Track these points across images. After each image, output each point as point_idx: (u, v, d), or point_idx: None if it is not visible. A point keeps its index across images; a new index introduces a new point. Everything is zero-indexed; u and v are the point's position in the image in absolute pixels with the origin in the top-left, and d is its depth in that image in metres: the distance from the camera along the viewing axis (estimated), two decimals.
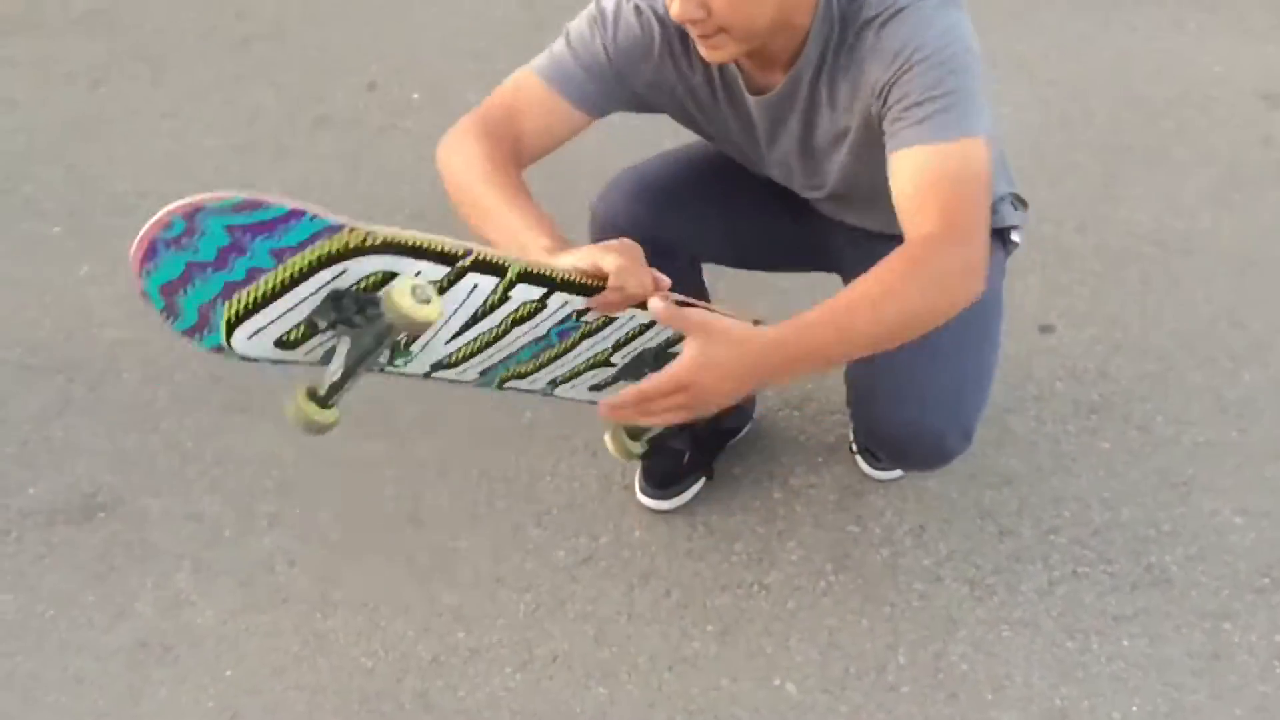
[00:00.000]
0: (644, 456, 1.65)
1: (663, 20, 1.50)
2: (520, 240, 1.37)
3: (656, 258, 1.39)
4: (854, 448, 2.07)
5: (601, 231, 1.69)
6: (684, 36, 1.50)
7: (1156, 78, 2.90)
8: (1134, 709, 1.73)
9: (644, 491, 2.01)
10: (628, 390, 1.28)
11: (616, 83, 1.53)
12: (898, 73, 1.36)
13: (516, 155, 1.50)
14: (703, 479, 2.04)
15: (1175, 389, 2.17)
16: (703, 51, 1.43)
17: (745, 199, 1.77)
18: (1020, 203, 1.75)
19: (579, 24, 1.54)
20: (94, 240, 2.55)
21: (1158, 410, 2.14)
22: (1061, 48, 2.97)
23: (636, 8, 1.51)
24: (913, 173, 1.34)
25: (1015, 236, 1.73)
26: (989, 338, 1.64)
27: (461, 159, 1.48)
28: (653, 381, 1.25)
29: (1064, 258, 2.43)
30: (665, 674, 1.79)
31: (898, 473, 2.03)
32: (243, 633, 1.87)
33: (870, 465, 2.04)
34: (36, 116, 2.88)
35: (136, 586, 1.93)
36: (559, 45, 1.54)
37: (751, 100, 1.55)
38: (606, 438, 1.59)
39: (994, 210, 1.63)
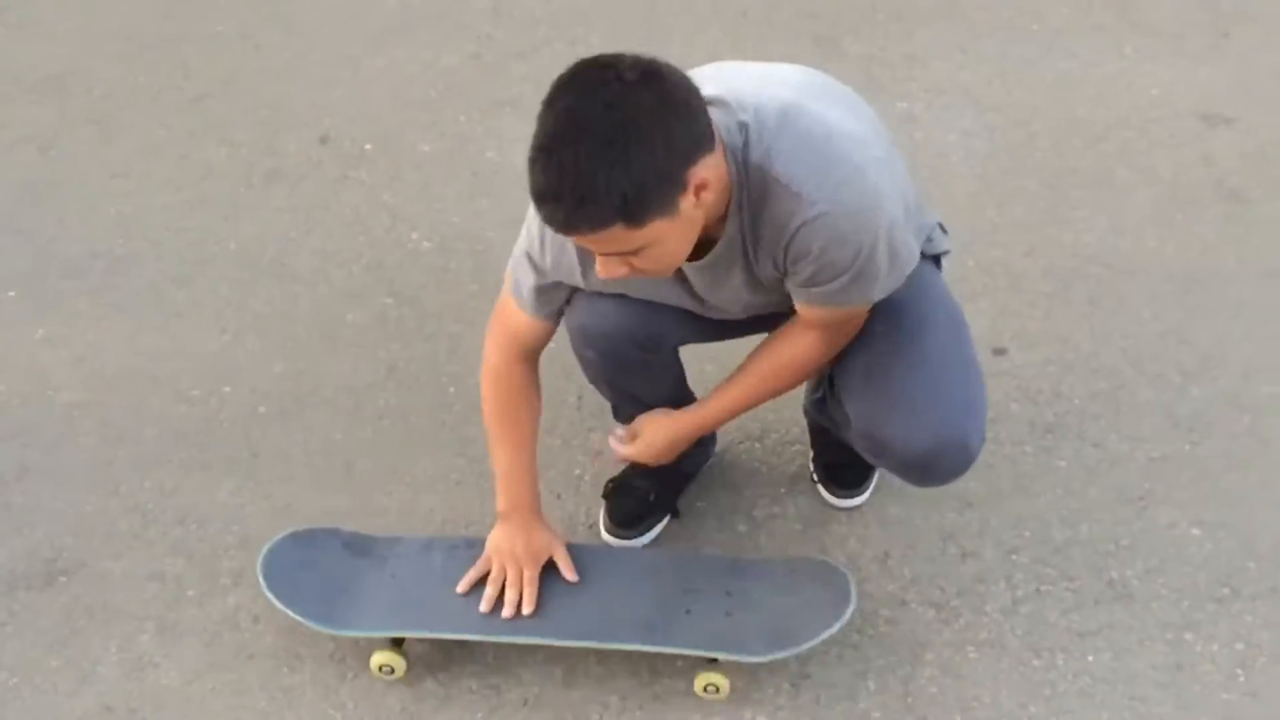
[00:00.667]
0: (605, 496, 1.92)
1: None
2: (500, 489, 1.85)
3: (644, 350, 1.78)
4: (815, 477, 2.09)
5: (586, 338, 1.78)
6: None
7: (1098, 102, 2.96)
8: None
9: (609, 531, 2.02)
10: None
11: (558, 291, 1.73)
12: (808, 268, 1.50)
13: (527, 365, 1.84)
14: (668, 517, 2.05)
15: (1127, 406, 2.21)
16: None
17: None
18: (942, 228, 1.81)
19: (517, 265, 1.73)
20: (49, 304, 2.54)
21: (1111, 428, 2.17)
22: (1004, 75, 3.04)
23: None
24: (809, 315, 1.62)
25: (944, 260, 1.81)
26: (969, 341, 1.72)
27: (485, 393, 1.85)
28: (621, 451, 1.83)
29: (1014, 281, 2.47)
30: (636, 713, 1.79)
31: (860, 500, 2.05)
32: (209, 692, 1.85)
33: (832, 494, 2.05)
34: None
35: (100, 650, 1.91)
36: (514, 281, 1.75)
37: (685, 267, 1.59)
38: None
39: (928, 239, 1.73)
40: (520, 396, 1.82)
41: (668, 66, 1.37)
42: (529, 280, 1.70)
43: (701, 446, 2.08)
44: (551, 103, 1.35)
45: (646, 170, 1.32)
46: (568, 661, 1.85)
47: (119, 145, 2.96)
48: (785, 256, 1.50)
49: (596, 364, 1.82)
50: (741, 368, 1.73)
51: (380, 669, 1.81)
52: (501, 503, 1.83)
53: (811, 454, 2.11)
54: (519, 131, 2.91)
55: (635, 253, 1.41)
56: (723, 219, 1.50)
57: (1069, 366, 2.28)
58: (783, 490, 2.10)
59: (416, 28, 3.30)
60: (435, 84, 3.11)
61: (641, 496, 2.02)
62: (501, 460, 1.83)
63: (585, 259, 1.61)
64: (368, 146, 2.92)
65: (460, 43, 3.23)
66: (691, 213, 1.40)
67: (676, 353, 1.90)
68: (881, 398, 1.63)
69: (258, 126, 2.99)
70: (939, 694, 1.80)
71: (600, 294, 1.72)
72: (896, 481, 2.07)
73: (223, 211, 2.75)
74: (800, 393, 2.11)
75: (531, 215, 1.65)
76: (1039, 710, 1.77)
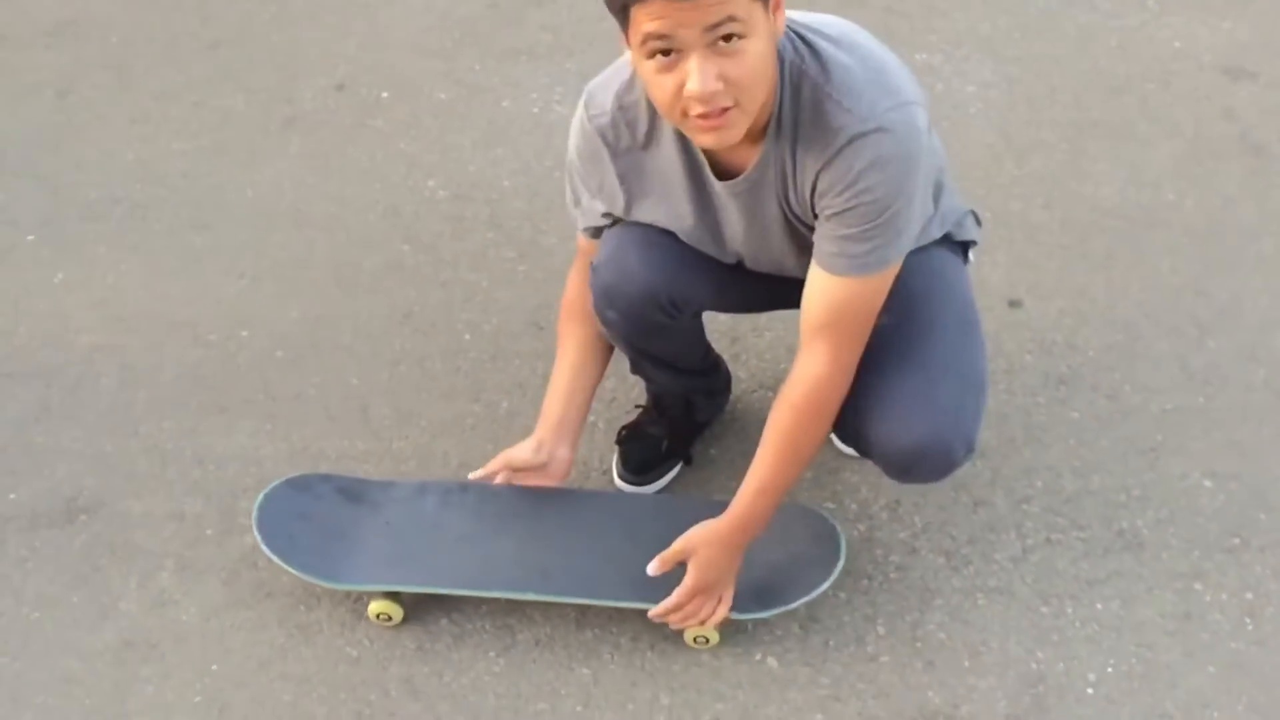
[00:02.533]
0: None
1: (602, 131, 1.59)
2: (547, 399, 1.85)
3: (667, 315, 1.74)
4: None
5: (609, 298, 1.73)
6: (629, 130, 1.58)
7: (1119, 54, 2.93)
8: (1109, 670, 1.76)
9: (622, 478, 2.03)
10: (665, 604, 1.71)
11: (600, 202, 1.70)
12: (841, 196, 1.46)
13: None
14: (680, 464, 2.07)
15: (1142, 358, 2.21)
16: (705, 140, 1.43)
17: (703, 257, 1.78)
18: (976, 219, 1.81)
19: (569, 183, 1.73)
20: (68, 247, 2.56)
21: (1125, 379, 2.17)
22: (1025, 26, 3.01)
23: (581, 125, 1.61)
24: (823, 297, 1.54)
25: (972, 251, 1.81)
26: (978, 346, 1.68)
27: (569, 294, 1.85)
28: (675, 596, 1.70)
29: (1031, 233, 2.47)
30: (648, 653, 1.81)
31: None
32: (227, 628, 1.88)
33: (840, 438, 2.06)
34: (6, 126, 2.88)
35: (120, 587, 1.94)
36: (574, 210, 1.75)
37: (719, 186, 1.57)
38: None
39: (957, 224, 1.73)
40: (582, 315, 1.79)
41: None
42: (583, 197, 1.71)
43: (714, 396, 2.09)
44: None
45: None
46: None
47: (136, 91, 2.96)
48: (824, 178, 1.46)
49: (618, 324, 1.78)
50: (761, 441, 1.65)
51: (378, 617, 1.83)
52: (542, 428, 1.83)
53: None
54: (535, 80, 2.93)
55: (733, 37, 1.33)
56: (762, 133, 1.48)
57: (1084, 318, 2.28)
58: None
59: None
60: (451, 32, 3.10)
61: (654, 444, 2.03)
62: (557, 366, 1.84)
63: (627, 184, 1.62)
64: (384, 94, 2.91)
65: None
66: (771, 29, 1.38)
67: (699, 317, 1.90)
68: (871, 395, 1.61)
69: (274, 74, 2.99)
70: (947, 639, 1.81)
71: (626, 253, 1.69)
72: None
73: (240, 158, 2.76)
74: None
75: (572, 152, 1.66)
76: (1046, 656, 1.78)
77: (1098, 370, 2.18)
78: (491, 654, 1.83)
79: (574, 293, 1.82)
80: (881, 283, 1.53)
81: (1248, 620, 1.81)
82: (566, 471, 1.83)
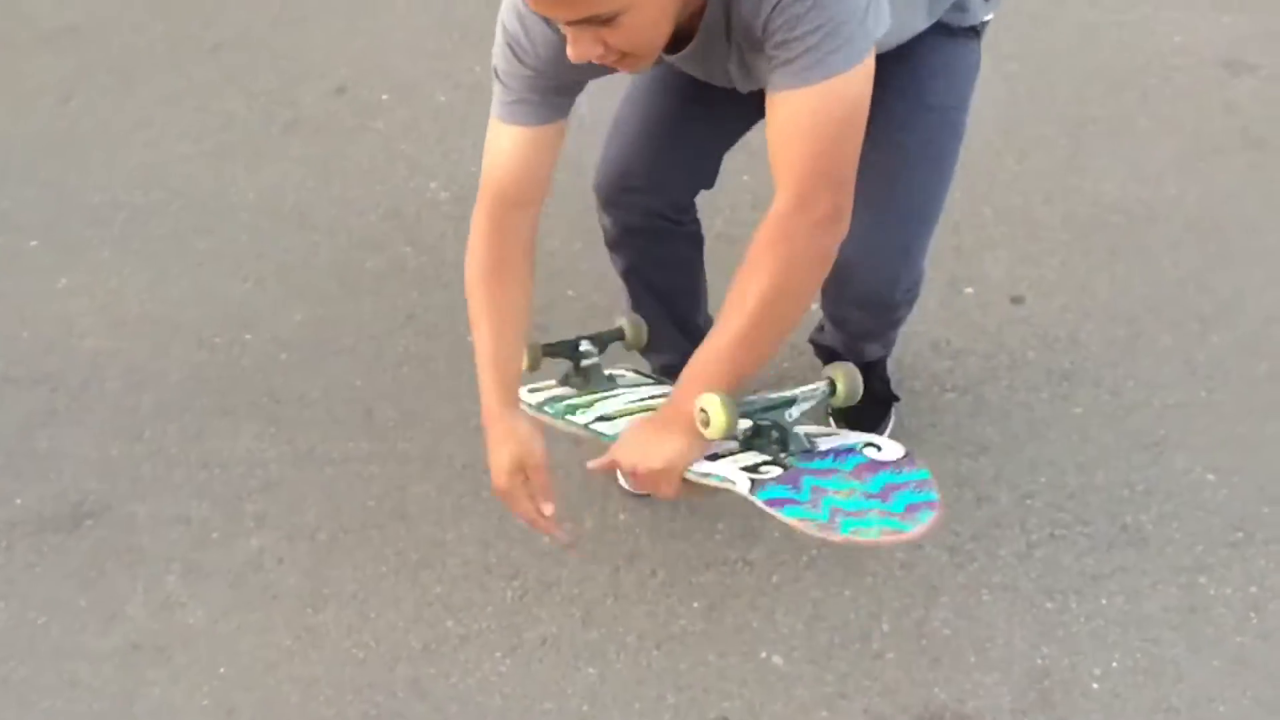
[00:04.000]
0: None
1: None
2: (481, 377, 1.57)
3: (670, 220, 1.75)
4: (831, 420, 2.10)
5: (609, 195, 1.76)
6: None
7: (1119, 49, 2.93)
8: (1114, 664, 1.76)
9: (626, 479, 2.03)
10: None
11: (556, 88, 1.51)
12: (770, 10, 1.31)
13: (522, 221, 1.57)
14: None
15: (1145, 353, 2.21)
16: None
17: (710, 109, 1.70)
18: None
19: (499, 57, 1.50)
20: (72, 252, 2.56)
21: (1128, 374, 2.17)
22: (1024, 23, 3.01)
23: (543, 17, 1.44)
24: (781, 122, 1.33)
25: (988, 19, 1.67)
26: (946, 177, 1.61)
27: (469, 257, 1.59)
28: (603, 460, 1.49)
29: (1033, 229, 2.47)
30: (654, 652, 1.82)
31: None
32: (235, 631, 1.88)
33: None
34: (9, 132, 2.89)
35: (127, 590, 1.95)
36: (497, 86, 1.52)
37: (670, 59, 1.49)
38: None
39: (958, 7, 1.59)
40: (501, 270, 1.55)
41: None
42: (514, 78, 1.48)
43: None
44: None
45: None
46: (585, 602, 1.88)
47: (139, 95, 2.97)
48: (769, 28, 1.32)
49: (614, 233, 1.78)
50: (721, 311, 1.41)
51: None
52: (483, 400, 1.58)
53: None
54: None
55: (611, 20, 1.24)
56: (701, 10, 1.38)
57: (1087, 314, 2.28)
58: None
59: None
60: (451, 34, 3.10)
61: None
62: (480, 350, 1.56)
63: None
64: (385, 97, 2.92)
65: None
66: None
67: (699, 240, 1.87)
68: None
69: (276, 77, 3.00)
70: (952, 636, 1.81)
71: (624, 145, 1.68)
72: (911, 427, 2.10)
73: (243, 161, 2.77)
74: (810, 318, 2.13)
75: (507, 8, 1.47)
76: (1051, 651, 1.79)
77: (1100, 365, 2.19)
78: (498, 654, 1.83)
79: (483, 213, 1.56)
80: (841, 90, 1.30)
81: (1252, 614, 1.82)
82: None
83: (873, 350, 2.05)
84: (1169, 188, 2.55)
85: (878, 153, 1.47)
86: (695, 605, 1.86)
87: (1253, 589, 1.85)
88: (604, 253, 2.47)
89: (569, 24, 1.27)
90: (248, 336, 2.35)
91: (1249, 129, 2.68)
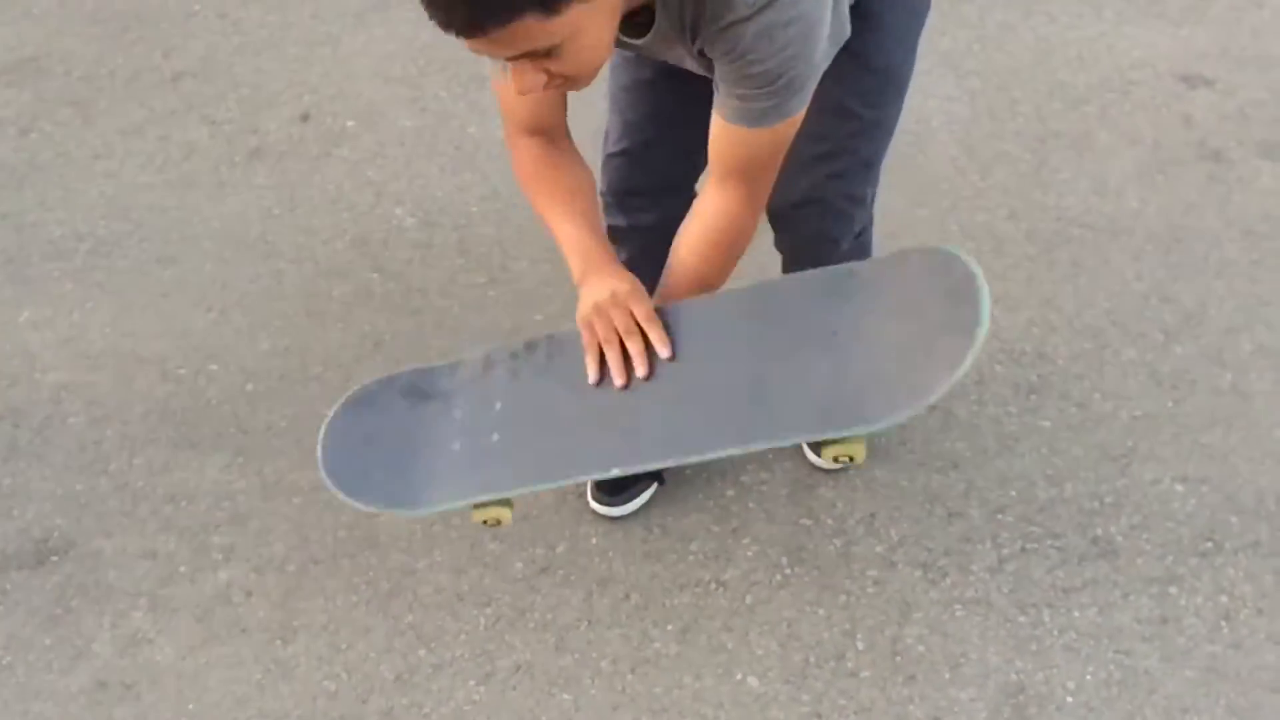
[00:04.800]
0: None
1: None
2: (568, 260, 1.56)
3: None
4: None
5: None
6: None
7: (1078, 65, 2.97)
8: (1088, 677, 1.77)
9: (596, 499, 2.02)
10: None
11: None
12: (731, 65, 1.33)
13: (558, 136, 1.58)
14: (654, 484, 2.06)
15: (1110, 365, 2.22)
16: None
17: (695, 84, 1.65)
18: None
19: None
20: (33, 286, 2.53)
21: (1095, 387, 2.19)
22: (984, 40, 3.04)
23: None
24: (727, 144, 1.42)
25: None
26: (894, 110, 1.67)
27: (517, 168, 1.59)
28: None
29: (997, 245, 2.48)
30: (628, 676, 1.81)
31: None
32: (203, 666, 1.86)
33: (815, 452, 2.07)
34: None
35: (93, 627, 1.92)
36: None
37: (631, 48, 1.47)
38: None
39: None
40: (558, 162, 1.56)
41: None
42: None
43: None
44: None
45: None
46: (559, 627, 1.87)
47: (99, 126, 2.95)
48: (712, 49, 1.34)
49: (624, 229, 1.81)
50: (665, 278, 1.54)
51: (485, 523, 1.54)
52: (575, 268, 1.53)
53: None
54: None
55: (550, 52, 1.21)
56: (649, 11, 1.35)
57: (1052, 328, 2.30)
58: (770, 456, 2.11)
59: (395, 3, 3.29)
60: (416, 60, 3.10)
61: None
62: (559, 230, 1.55)
63: None
64: (349, 123, 2.91)
65: None
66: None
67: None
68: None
69: (238, 105, 2.98)
70: (927, 652, 1.81)
71: (625, 146, 1.70)
72: (881, 444, 2.10)
73: (205, 191, 2.75)
74: None
75: None
76: (1025, 665, 1.79)
77: (1067, 379, 2.20)
78: (471, 682, 1.81)
79: (520, 145, 1.56)
80: (788, 128, 1.39)
81: (1223, 624, 1.83)
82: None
83: None
84: (1130, 201, 2.58)
85: (827, 115, 1.54)
86: (669, 628, 1.86)
87: (1223, 598, 1.86)
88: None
89: (510, 60, 1.24)
90: (213, 367, 2.33)
91: (1206, 141, 2.72)
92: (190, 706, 1.81)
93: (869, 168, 1.72)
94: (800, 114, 1.39)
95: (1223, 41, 3.01)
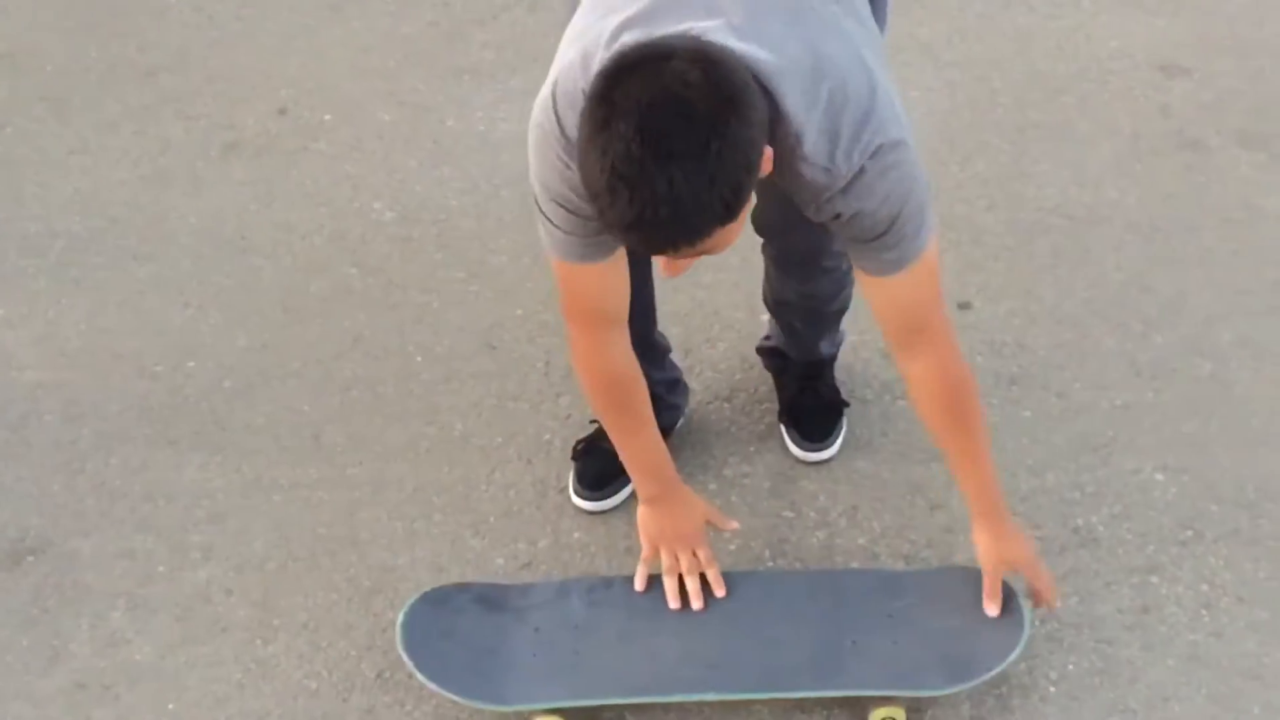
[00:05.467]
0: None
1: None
2: (635, 478, 1.81)
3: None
4: (784, 430, 2.10)
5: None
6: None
7: (1057, 55, 2.97)
8: (1070, 667, 1.77)
9: (578, 494, 2.02)
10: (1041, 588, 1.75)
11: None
12: (842, 225, 1.42)
13: (620, 336, 1.66)
14: None
15: (1091, 355, 2.23)
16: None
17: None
18: None
19: (553, 215, 1.47)
20: (8, 283, 2.51)
21: (1075, 377, 2.19)
22: (963, 30, 3.04)
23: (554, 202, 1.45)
24: (887, 300, 1.53)
25: None
26: None
27: (578, 357, 1.68)
28: (1042, 580, 1.75)
29: (977, 235, 2.48)
30: None
31: (828, 453, 2.07)
32: (183, 666, 1.85)
33: (800, 448, 2.07)
34: None
35: (71, 628, 1.90)
36: (560, 235, 1.49)
37: None
38: None
39: None
40: (625, 378, 1.68)
41: (714, 47, 1.23)
42: (575, 226, 1.47)
43: (673, 407, 2.09)
44: (612, 118, 1.18)
45: (739, 170, 1.21)
46: None
47: (74, 122, 2.92)
48: (820, 217, 1.44)
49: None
50: (941, 443, 1.69)
51: None
52: (640, 486, 1.79)
53: (778, 405, 2.13)
54: (480, 99, 2.92)
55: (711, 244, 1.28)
56: None
57: (1033, 318, 2.30)
58: (752, 449, 2.11)
59: None
60: (394, 53, 3.08)
61: (610, 458, 2.01)
62: (627, 449, 1.76)
63: None
64: (327, 117, 2.89)
65: (418, 10, 3.19)
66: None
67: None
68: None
69: (214, 99, 2.96)
70: None
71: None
72: (863, 436, 2.10)
73: (181, 186, 2.72)
74: (761, 332, 2.14)
75: (545, 173, 1.45)
76: None
77: (1048, 369, 2.20)
78: None
79: (589, 346, 1.65)
80: (931, 254, 1.48)
81: (1204, 612, 1.83)
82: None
83: (824, 346, 2.06)
84: (1109, 190, 2.58)
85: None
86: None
87: (1204, 587, 1.87)
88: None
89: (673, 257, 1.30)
90: (190, 364, 2.31)
91: (1184, 131, 2.72)
92: (170, 707, 1.80)
93: None
94: (936, 232, 1.47)
95: (1199, 30, 3.01)
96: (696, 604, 1.76)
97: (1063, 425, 2.11)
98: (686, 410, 2.14)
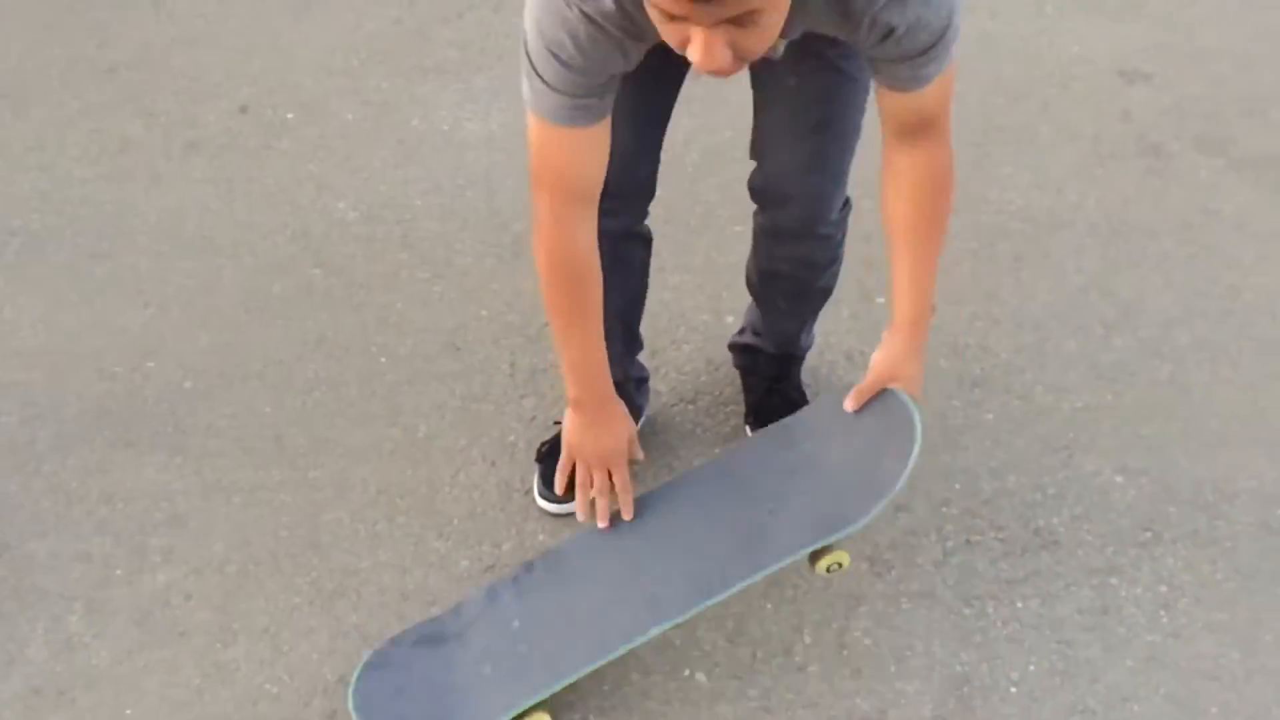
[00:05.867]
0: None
1: (607, 16, 1.36)
2: (569, 379, 1.70)
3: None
4: (750, 430, 2.10)
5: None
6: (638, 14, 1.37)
7: (1019, 60, 2.99)
8: (1031, 668, 1.79)
9: (543, 495, 2.01)
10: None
11: (603, 87, 1.45)
12: (896, 37, 1.36)
13: (588, 214, 1.58)
14: None
15: (1052, 358, 2.25)
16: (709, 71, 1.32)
17: (660, 92, 1.73)
18: None
19: (541, 65, 1.40)
20: None
21: (1037, 380, 2.21)
22: None
23: (584, 16, 1.36)
24: (904, 110, 1.48)
25: None
26: (864, 90, 1.69)
27: (540, 235, 1.58)
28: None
29: None
30: None
31: None
32: (141, 670, 1.82)
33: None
34: None
35: (27, 632, 1.88)
36: (541, 90, 1.42)
37: None
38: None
39: None
40: (583, 265, 1.60)
41: None
42: (563, 83, 1.40)
43: (637, 407, 2.09)
44: None
45: None
46: None
47: (32, 118, 2.88)
48: (861, 45, 1.40)
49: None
50: (891, 244, 1.59)
51: None
52: (572, 390, 1.70)
53: (744, 407, 2.14)
54: (444, 98, 2.90)
55: (747, 21, 1.19)
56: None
57: (995, 321, 2.32)
58: (717, 450, 2.11)
59: None
60: (358, 51, 3.06)
61: None
62: (569, 346, 1.67)
63: (627, 42, 1.39)
64: (289, 116, 2.87)
65: (383, 9, 3.18)
66: None
67: (650, 239, 1.90)
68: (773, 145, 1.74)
69: (175, 97, 2.93)
70: (873, 645, 1.82)
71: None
72: None
73: (142, 184, 2.69)
74: (726, 335, 2.14)
75: (539, 14, 1.37)
76: (970, 658, 1.80)
77: (1010, 372, 2.22)
78: None
79: (553, 224, 1.55)
80: (954, 68, 1.44)
81: (1162, 613, 1.85)
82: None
83: (803, 338, 2.08)
84: (1070, 194, 2.61)
85: (828, 73, 1.61)
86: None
87: (1162, 588, 1.89)
88: (517, 269, 2.46)
89: (708, 27, 1.19)
90: (150, 365, 2.28)
91: (1144, 136, 2.76)
92: (128, 712, 1.77)
93: (857, 133, 1.72)
94: (955, 62, 1.43)
95: (1159, 37, 3.05)
96: (602, 523, 1.75)
97: (1024, 428, 2.13)
98: (647, 412, 2.14)
